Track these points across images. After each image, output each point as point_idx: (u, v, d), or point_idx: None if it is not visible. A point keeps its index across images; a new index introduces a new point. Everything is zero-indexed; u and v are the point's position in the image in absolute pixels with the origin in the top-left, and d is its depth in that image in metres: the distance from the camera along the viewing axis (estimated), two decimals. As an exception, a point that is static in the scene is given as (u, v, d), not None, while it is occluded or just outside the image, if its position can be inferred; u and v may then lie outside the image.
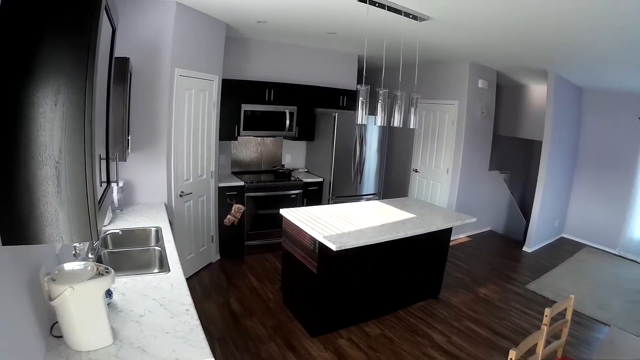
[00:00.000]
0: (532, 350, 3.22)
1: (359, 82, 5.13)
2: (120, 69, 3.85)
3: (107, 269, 2.30)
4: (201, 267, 6.48)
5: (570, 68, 7.99)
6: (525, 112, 10.34)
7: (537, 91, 10.02)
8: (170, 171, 5.59)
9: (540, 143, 9.01)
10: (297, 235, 5.06)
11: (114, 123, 3.45)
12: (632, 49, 5.62)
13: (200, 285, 5.95)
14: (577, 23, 4.81)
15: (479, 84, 8.82)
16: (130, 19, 4.85)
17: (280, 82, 7.57)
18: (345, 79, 8.70)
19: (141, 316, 2.63)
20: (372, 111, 5.11)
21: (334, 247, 4.24)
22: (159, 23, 5.21)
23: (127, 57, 4.01)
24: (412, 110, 5.43)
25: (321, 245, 4.50)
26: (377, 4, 4.66)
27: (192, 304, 2.82)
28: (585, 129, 10.13)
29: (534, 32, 5.45)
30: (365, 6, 4.66)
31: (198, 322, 2.59)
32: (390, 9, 4.77)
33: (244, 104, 7.08)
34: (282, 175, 7.81)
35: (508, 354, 2.77)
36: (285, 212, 5.33)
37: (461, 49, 7.34)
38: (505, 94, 10.46)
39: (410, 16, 5.02)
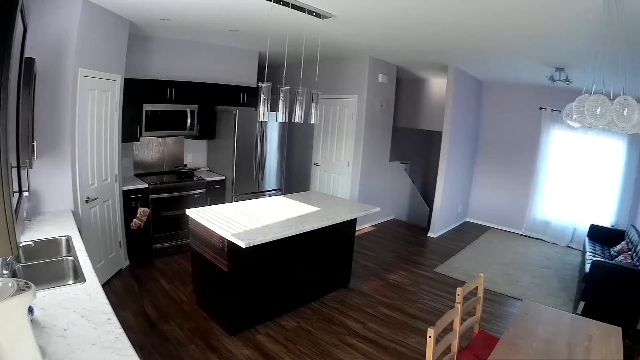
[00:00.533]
0: (448, 329, 3.35)
1: (260, 79, 5.12)
2: (27, 70, 3.62)
3: (27, 283, 2.13)
4: (112, 275, 6.10)
5: (471, 63, 8.43)
6: (425, 104, 10.79)
7: (437, 84, 10.46)
8: (76, 176, 5.22)
9: (440, 133, 9.37)
10: (205, 234, 4.94)
11: (21, 128, 3.28)
12: (534, 46, 5.99)
13: (113, 293, 5.65)
14: (478, 21, 5.06)
15: (379, 78, 9.01)
16: (37, 16, 4.52)
17: (181, 80, 7.37)
18: (246, 76, 8.60)
19: (65, 330, 2.47)
20: (274, 107, 5.07)
21: (243, 245, 4.19)
22: (64, 21, 4.84)
23: (33, 57, 3.80)
24: (313, 105, 5.45)
25: (230, 243, 4.42)
26: (281, 2, 4.64)
27: (113, 312, 2.71)
28: (486, 119, 10.75)
29: (433, 28, 5.65)
30: (270, 4, 4.64)
31: (122, 330, 2.50)
32: (294, 7, 4.77)
33: (145, 103, 6.81)
34: (185, 175, 7.60)
35: (425, 334, 2.85)
36: (191, 212, 5.19)
37: (362, 45, 7.46)
38: (405, 88, 10.84)
39: (314, 14, 5.05)
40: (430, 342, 2.81)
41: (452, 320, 3.33)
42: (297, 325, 5.09)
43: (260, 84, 4.82)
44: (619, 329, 3.73)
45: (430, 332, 2.81)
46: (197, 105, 7.46)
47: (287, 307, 5.36)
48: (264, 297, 5.00)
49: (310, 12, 4.98)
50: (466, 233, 10.09)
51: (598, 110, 3.46)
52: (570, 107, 4.17)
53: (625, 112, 3.37)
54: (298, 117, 5.29)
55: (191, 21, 6.11)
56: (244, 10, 5.29)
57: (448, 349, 3.35)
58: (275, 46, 6.12)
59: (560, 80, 7.40)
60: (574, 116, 3.93)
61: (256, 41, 7.48)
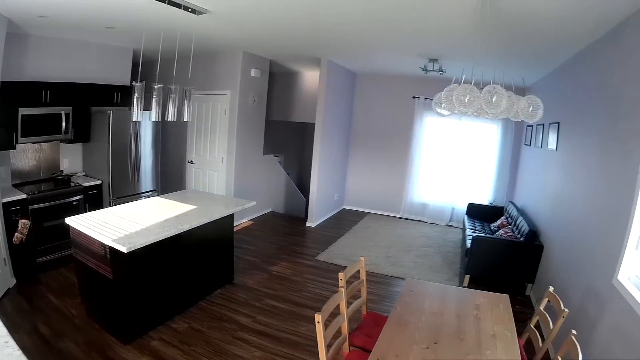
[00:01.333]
0: (336, 313, 3.45)
1: (134, 77, 4.96)
2: None
3: None
4: (1, 296, 5.82)
5: (345, 56, 8.64)
6: (298, 97, 10.93)
7: (310, 77, 10.63)
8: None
9: (313, 125, 9.55)
10: (86, 243, 4.68)
11: None
12: (409, 40, 6.24)
13: (4, 315, 5.25)
14: (354, 17, 5.21)
15: (252, 73, 8.99)
16: None
17: (56, 81, 6.85)
18: (120, 74, 8.13)
19: (-38, 357, 2.37)
20: (148, 106, 4.92)
21: (124, 249, 4.04)
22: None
23: None
24: (186, 103, 5.38)
25: (112, 249, 4.23)
26: (157, -2, 4.51)
27: (9, 334, 2.61)
28: (360, 109, 11.16)
29: (307, 24, 5.75)
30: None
31: (20, 352, 2.38)
32: (170, 2, 4.64)
33: (21, 107, 6.23)
34: (62, 182, 7.04)
35: (314, 321, 2.90)
36: (70, 220, 4.90)
37: (236, 41, 7.42)
38: (278, 81, 10.91)
39: (189, 9, 4.96)
40: (319, 327, 2.87)
41: (338, 305, 3.43)
42: (188, 327, 4.99)
43: (133, 82, 4.67)
44: (506, 296, 4.04)
45: (318, 317, 2.86)
46: (71, 107, 7.01)
47: (176, 309, 5.23)
48: (152, 301, 4.86)
49: (186, 8, 4.88)
50: (344, 220, 10.41)
51: (466, 99, 3.68)
52: (439, 96, 4.40)
53: (494, 99, 3.60)
54: (171, 115, 5.15)
55: (69, 18, 5.72)
56: (122, 5, 5.05)
57: (339, 332, 3.46)
58: (150, 43, 5.97)
59: (433, 70, 7.80)
60: (443, 104, 4.13)
61: (131, 38, 7.13)
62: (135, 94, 4.68)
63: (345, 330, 3.49)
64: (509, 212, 8.49)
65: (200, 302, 5.62)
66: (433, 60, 7.55)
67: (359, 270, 4.19)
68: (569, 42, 5.35)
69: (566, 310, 3.36)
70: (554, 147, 6.43)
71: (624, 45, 4.24)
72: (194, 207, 5.74)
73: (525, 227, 6.78)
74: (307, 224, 9.72)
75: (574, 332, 2.96)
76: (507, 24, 4.62)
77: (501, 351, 3.03)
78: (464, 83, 3.84)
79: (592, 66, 5.25)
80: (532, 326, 3.77)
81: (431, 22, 5.05)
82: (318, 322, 2.87)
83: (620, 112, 4.14)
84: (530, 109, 3.89)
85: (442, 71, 7.83)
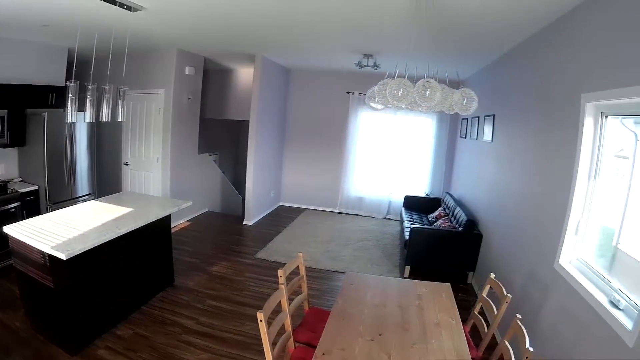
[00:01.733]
0: (278, 310, 3.43)
1: (69, 77, 4.84)
2: None
3: None
4: None
5: (279, 53, 8.63)
6: (233, 94, 10.81)
7: (245, 74, 10.52)
8: None
9: (248, 122, 9.48)
10: (25, 251, 4.48)
11: None
12: (345, 36, 6.27)
13: None
14: (289, 17, 5.29)
15: (186, 70, 8.83)
16: None
17: None
18: (55, 74, 7.75)
19: None
20: (82, 107, 4.82)
21: (63, 256, 3.89)
22: None
23: None
24: (120, 102, 5.27)
25: (51, 257, 4.07)
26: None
27: None
28: (295, 105, 11.17)
29: (242, 22, 5.74)
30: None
31: None
32: None
33: None
34: None
35: (257, 320, 2.89)
36: (8, 229, 4.70)
37: (170, 38, 7.28)
38: (213, 79, 10.74)
39: (125, 6, 4.83)
40: (262, 326, 2.85)
41: (280, 302, 3.42)
42: (133, 333, 4.85)
43: (68, 82, 4.56)
44: (448, 284, 4.12)
45: (260, 315, 2.85)
46: (6, 110, 6.75)
47: (119, 315, 5.06)
48: (96, 308, 4.71)
49: (121, 5, 4.76)
50: (282, 217, 10.42)
51: (400, 92, 3.72)
52: (372, 90, 4.44)
53: (427, 92, 3.66)
54: (105, 115, 5.02)
55: (5, 15, 5.53)
56: (56, 1, 4.89)
57: (283, 329, 3.45)
58: (85, 41, 5.78)
59: (368, 66, 7.86)
60: (377, 98, 4.17)
61: (66, 36, 6.82)
62: (70, 95, 4.56)
63: (288, 327, 3.49)
64: (446, 203, 8.67)
65: (142, 307, 5.48)
66: (367, 56, 7.62)
67: (298, 267, 4.19)
68: (502, 39, 5.58)
69: (509, 295, 3.47)
70: (490, 139, 6.60)
71: (554, 43, 4.48)
72: (131, 209, 5.59)
73: (463, 217, 6.96)
74: (245, 222, 9.67)
75: (518, 316, 3.07)
76: (441, 20, 4.71)
77: (447, 339, 3.10)
78: (398, 77, 3.88)
79: (524, 61, 5.48)
80: (476, 313, 3.86)
81: (364, 17, 5.09)
82: (261, 321, 2.85)
83: (553, 105, 4.34)
84: (465, 101, 3.98)
85: (376, 66, 7.91)
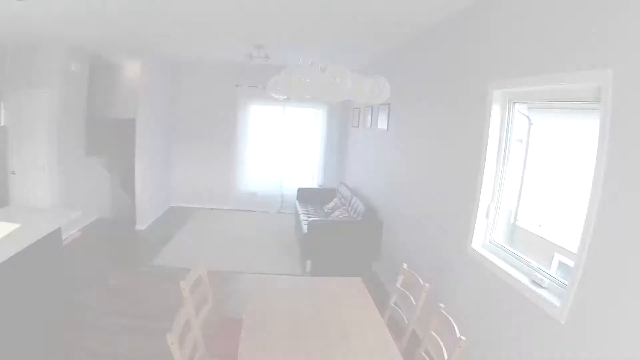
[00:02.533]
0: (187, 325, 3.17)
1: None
2: None
3: None
4: None
5: (166, 46, 8.21)
6: (121, 91, 10.14)
7: (132, 69, 9.94)
8: None
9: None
10: None
11: None
12: (235, 25, 6.05)
13: None
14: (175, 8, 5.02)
15: (72, 67, 8.11)
16: None
17: None
18: None
19: None
20: None
21: None
22: None
23: None
24: (2, 105, 4.85)
25: None
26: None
27: None
28: (182, 101, 10.77)
29: (127, 15, 5.44)
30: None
31: None
32: None
33: None
34: None
35: (165, 336, 2.53)
36: None
37: (55, 34, 6.71)
38: (100, 76, 10.04)
39: None
40: (174, 349, 2.55)
41: (187, 318, 3.12)
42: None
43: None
44: (358, 278, 4.01)
45: (169, 338, 2.51)
46: None
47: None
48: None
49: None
50: (175, 219, 10.03)
51: (308, 80, 3.58)
52: (275, 80, 4.28)
53: (338, 80, 3.53)
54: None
55: None
56: None
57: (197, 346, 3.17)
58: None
59: (259, 57, 7.59)
60: (279, 88, 4.03)
61: None
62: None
63: (201, 343, 3.22)
64: (342, 193, 8.67)
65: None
66: (259, 47, 7.38)
67: (199, 275, 3.89)
68: (396, 32, 5.55)
69: (427, 285, 3.40)
70: (385, 127, 6.61)
71: (445, 39, 4.67)
72: (18, 225, 5.03)
73: (360, 207, 6.97)
74: (137, 226, 9.15)
75: (442, 305, 3.02)
76: (335, 9, 4.63)
77: (370, 334, 3.02)
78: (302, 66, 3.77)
79: (418, 54, 5.61)
80: (392, 304, 3.77)
81: (253, 6, 4.88)
82: (172, 344, 2.55)
83: (459, 93, 4.40)
84: (377, 90, 3.89)
85: (267, 57, 7.68)
